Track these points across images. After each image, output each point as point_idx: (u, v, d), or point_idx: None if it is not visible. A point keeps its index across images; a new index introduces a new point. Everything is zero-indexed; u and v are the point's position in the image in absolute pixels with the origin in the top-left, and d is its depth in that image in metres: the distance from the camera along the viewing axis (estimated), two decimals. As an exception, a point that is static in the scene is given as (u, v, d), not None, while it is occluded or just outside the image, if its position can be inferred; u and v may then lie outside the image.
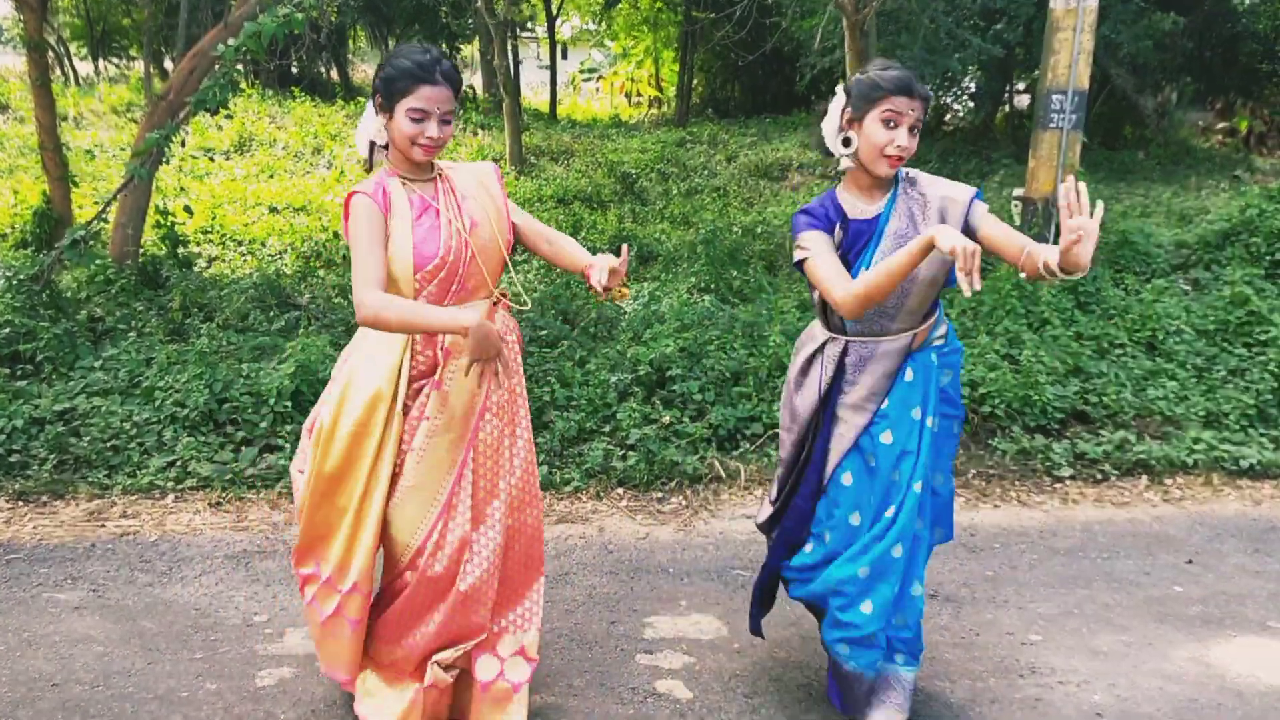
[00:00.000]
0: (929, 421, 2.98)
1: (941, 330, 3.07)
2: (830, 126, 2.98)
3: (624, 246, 2.91)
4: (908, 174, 2.98)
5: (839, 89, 3.00)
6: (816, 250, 2.87)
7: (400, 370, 2.86)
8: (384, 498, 2.86)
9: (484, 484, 2.95)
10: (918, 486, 2.95)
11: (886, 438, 2.97)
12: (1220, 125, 19.15)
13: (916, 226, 2.88)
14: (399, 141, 2.80)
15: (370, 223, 2.76)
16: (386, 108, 2.79)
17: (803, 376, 3.11)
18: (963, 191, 2.88)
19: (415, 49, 2.79)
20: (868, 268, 2.86)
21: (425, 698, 2.94)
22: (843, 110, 2.92)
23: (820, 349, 3.07)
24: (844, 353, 3.02)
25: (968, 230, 2.82)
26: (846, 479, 3.01)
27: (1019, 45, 15.21)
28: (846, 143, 2.91)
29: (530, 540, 3.09)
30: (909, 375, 2.98)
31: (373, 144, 2.94)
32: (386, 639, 3.00)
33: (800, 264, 2.92)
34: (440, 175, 2.96)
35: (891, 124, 2.80)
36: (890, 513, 2.97)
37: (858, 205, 2.96)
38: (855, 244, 2.93)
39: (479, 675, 3.00)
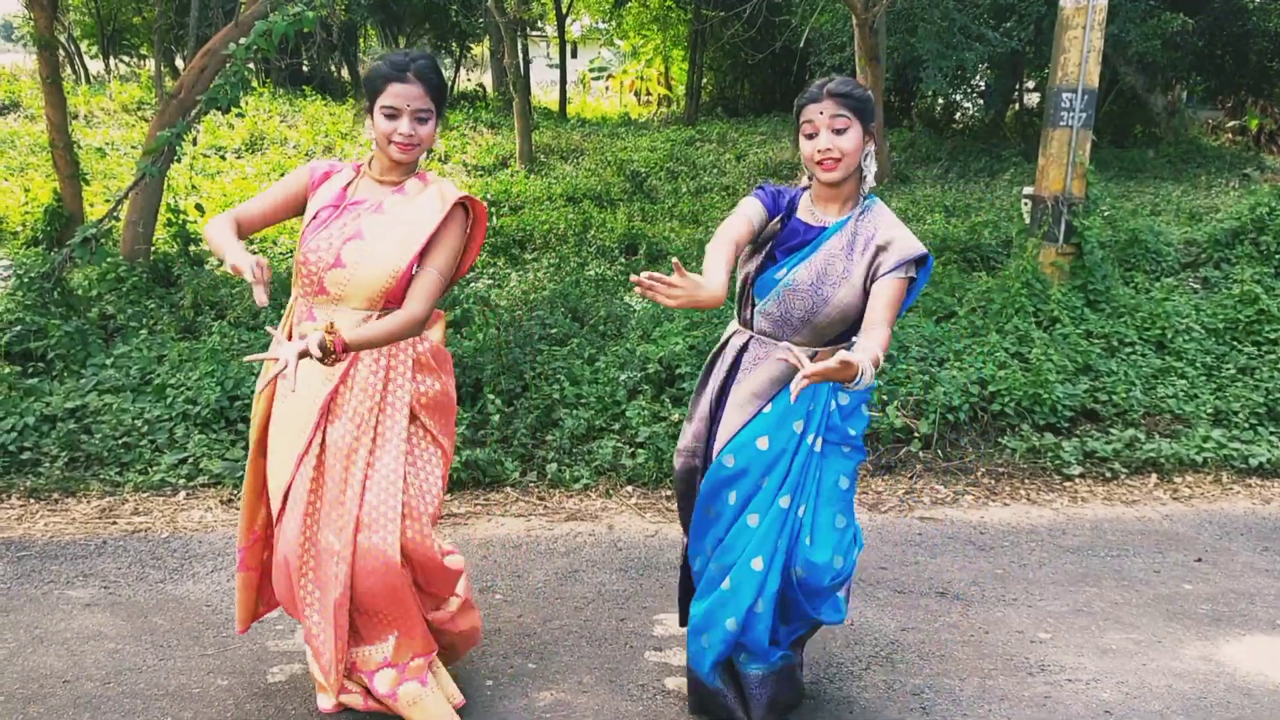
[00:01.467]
0: (811, 439, 2.94)
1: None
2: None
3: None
4: (875, 204, 2.97)
5: None
6: (735, 213, 2.93)
7: (282, 333, 2.92)
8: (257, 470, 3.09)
9: (330, 486, 2.91)
10: (784, 501, 2.93)
11: (762, 443, 2.95)
12: (1230, 123, 19.08)
13: (849, 255, 2.87)
14: (377, 140, 2.87)
15: (288, 181, 3.01)
16: (368, 108, 2.86)
17: (710, 365, 3.16)
18: (904, 250, 2.82)
19: (398, 52, 2.88)
20: (789, 269, 2.90)
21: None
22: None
23: (728, 340, 3.12)
24: (744, 347, 3.05)
25: (877, 274, 2.83)
26: (729, 460, 2.99)
27: (1029, 43, 15.18)
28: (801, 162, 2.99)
29: (384, 572, 2.87)
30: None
31: None
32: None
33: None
34: (399, 188, 2.94)
35: (810, 135, 2.85)
36: (753, 521, 2.96)
37: (813, 211, 2.99)
38: (787, 242, 2.96)
39: (379, 689, 3.04)
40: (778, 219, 2.99)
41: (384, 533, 2.85)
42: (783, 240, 2.97)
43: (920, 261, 2.86)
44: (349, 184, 2.99)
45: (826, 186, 2.93)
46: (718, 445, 3.02)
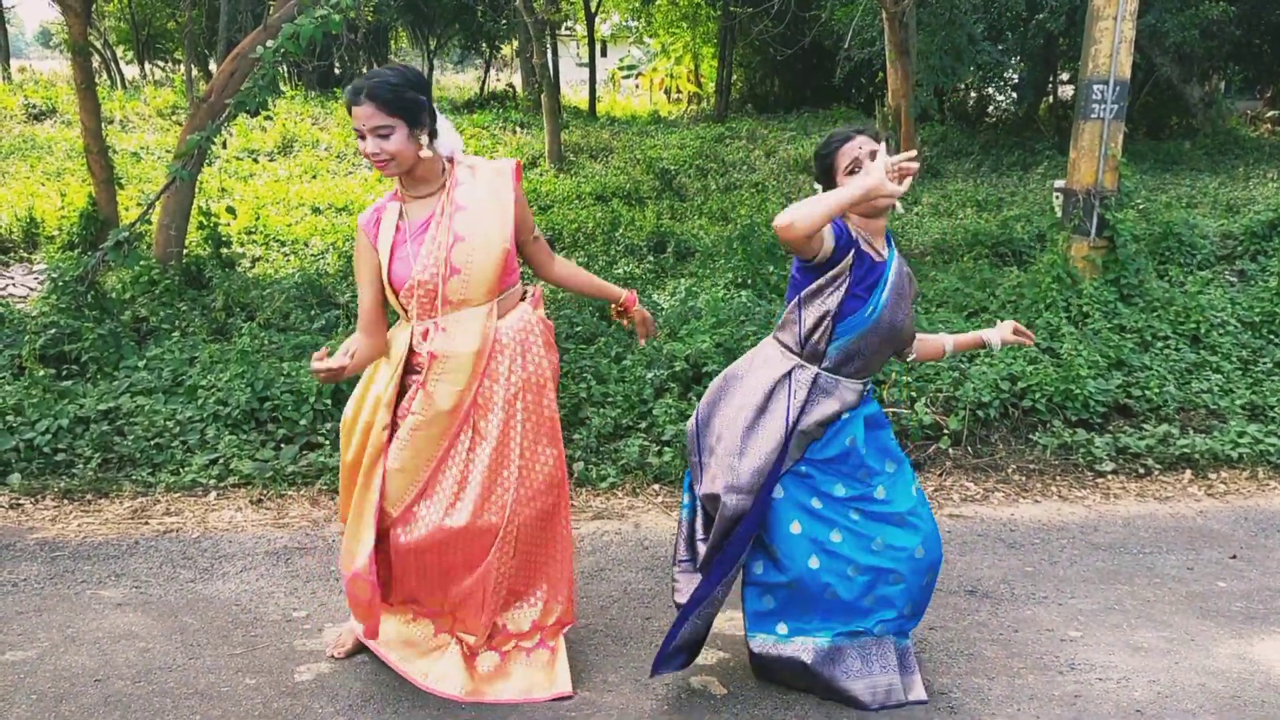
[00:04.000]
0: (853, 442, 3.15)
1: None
2: None
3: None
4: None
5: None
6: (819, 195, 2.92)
7: (396, 372, 3.15)
8: (380, 485, 3.16)
9: (479, 472, 3.15)
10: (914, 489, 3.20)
11: (839, 489, 3.15)
12: (1269, 113, 18.83)
13: (903, 284, 3.15)
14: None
15: (361, 257, 3.16)
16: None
17: (769, 400, 3.11)
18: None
19: (363, 75, 3.09)
20: (876, 308, 3.04)
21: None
22: (820, 185, 3.12)
23: (788, 374, 3.12)
24: (815, 380, 3.10)
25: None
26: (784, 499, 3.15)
27: (1062, 35, 15.04)
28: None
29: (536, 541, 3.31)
30: (846, 415, 3.14)
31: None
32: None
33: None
34: (446, 188, 3.09)
35: (851, 171, 2.98)
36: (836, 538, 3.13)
37: (869, 244, 3.08)
38: (865, 279, 3.05)
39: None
40: (850, 254, 3.02)
41: (552, 497, 3.27)
42: (861, 278, 3.05)
43: None
44: (400, 214, 3.13)
45: (870, 220, 3.07)
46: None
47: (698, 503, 3.26)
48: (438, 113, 3.07)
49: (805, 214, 2.72)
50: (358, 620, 3.30)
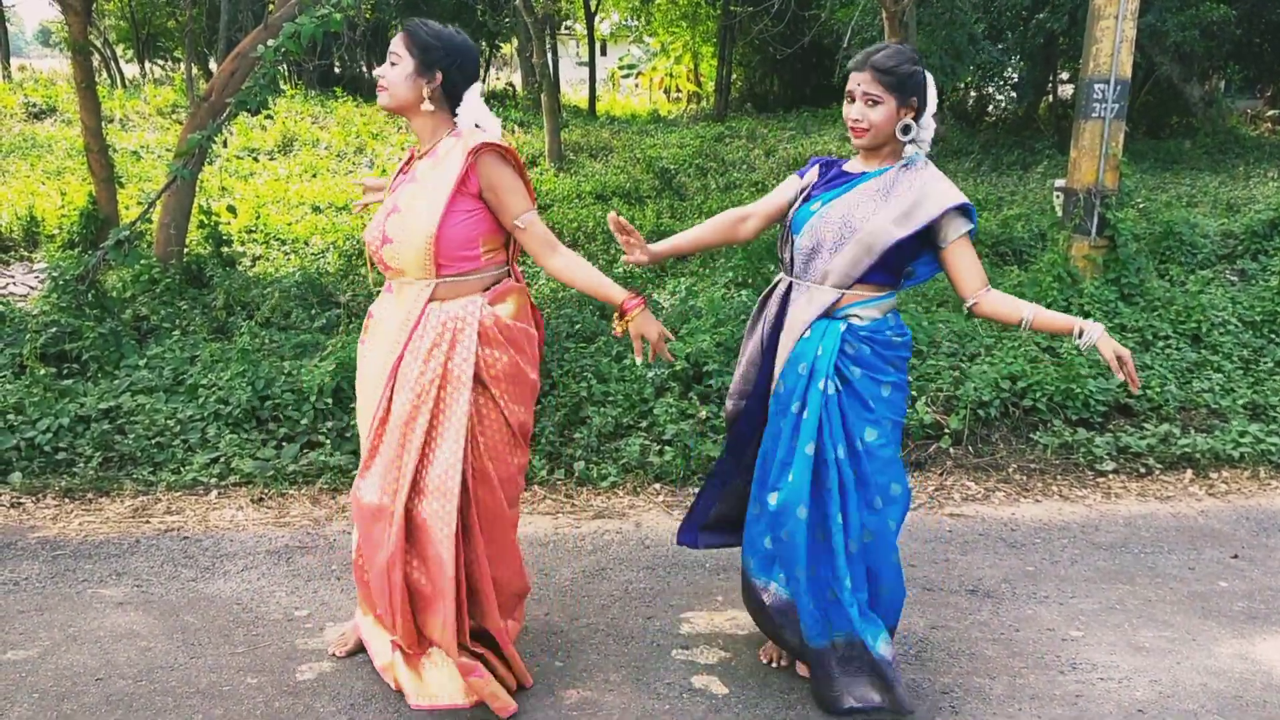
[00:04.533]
0: (823, 384, 3.03)
1: (868, 313, 3.07)
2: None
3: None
4: (919, 161, 3.05)
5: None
6: (778, 187, 3.28)
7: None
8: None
9: (385, 451, 3.06)
10: (809, 449, 3.03)
11: (780, 386, 3.15)
12: (1270, 112, 18.82)
13: (885, 197, 3.01)
14: None
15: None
16: None
17: (758, 312, 3.31)
18: (945, 199, 2.96)
19: None
20: (823, 203, 3.07)
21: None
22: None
23: (773, 289, 3.27)
24: (787, 292, 3.20)
25: (932, 234, 3.00)
26: (780, 386, 3.19)
27: (1063, 34, 15.04)
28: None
29: (434, 542, 2.98)
30: (807, 333, 3.09)
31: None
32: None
33: None
34: (432, 153, 3.07)
35: (850, 101, 3.02)
36: (790, 477, 3.08)
37: (855, 163, 3.17)
38: (828, 184, 3.15)
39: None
40: (816, 168, 3.22)
41: (444, 501, 2.95)
42: (823, 183, 3.16)
43: (965, 210, 3.01)
44: (407, 162, 3.16)
45: (873, 151, 3.09)
46: (773, 383, 3.20)
47: None
48: (474, 92, 3.06)
49: None
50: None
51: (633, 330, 3.06)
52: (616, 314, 3.08)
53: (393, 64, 2.96)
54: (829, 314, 3.07)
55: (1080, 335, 2.95)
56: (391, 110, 3.03)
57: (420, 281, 3.03)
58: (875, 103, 2.94)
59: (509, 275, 3.19)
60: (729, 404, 3.38)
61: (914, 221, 2.95)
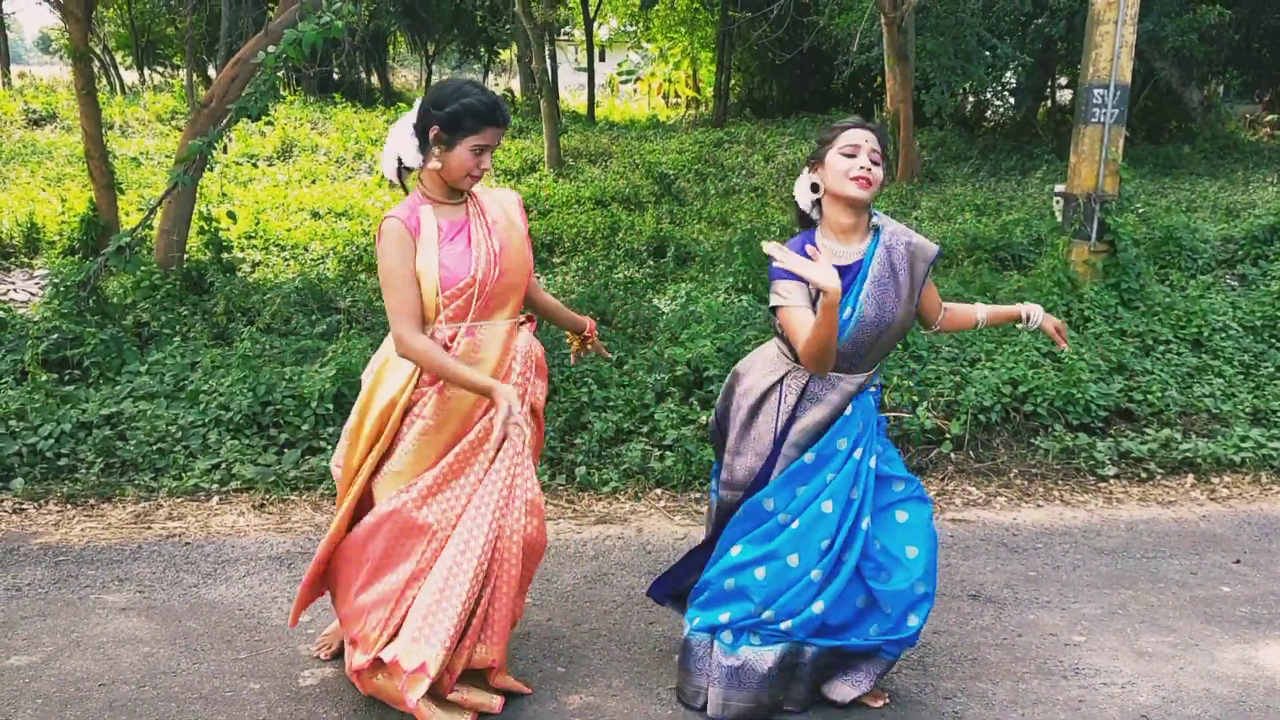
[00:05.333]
0: (858, 454, 3.09)
1: (878, 379, 3.25)
2: (801, 190, 3.15)
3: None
4: (879, 217, 3.12)
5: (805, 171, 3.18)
6: (793, 301, 3.00)
7: (413, 379, 3.10)
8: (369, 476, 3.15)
9: (448, 471, 3.11)
10: (826, 507, 3.07)
11: (809, 457, 3.09)
12: (1269, 117, 18.85)
13: (896, 276, 3.04)
14: (454, 172, 3.00)
15: (401, 249, 2.97)
16: (448, 142, 2.95)
17: (760, 404, 3.16)
18: (928, 250, 3.12)
19: (475, 89, 3.00)
20: (854, 309, 3.01)
21: None
22: (809, 168, 3.13)
23: (780, 380, 3.14)
24: (805, 386, 3.11)
25: (921, 280, 3.11)
26: (768, 504, 3.13)
27: (1061, 40, 15.06)
28: (815, 188, 3.09)
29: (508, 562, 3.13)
30: (848, 410, 3.10)
31: (400, 163, 3.08)
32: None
33: (774, 309, 3.05)
34: (470, 198, 3.13)
35: (850, 155, 2.99)
36: (791, 523, 3.10)
37: (836, 249, 3.08)
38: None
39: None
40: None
41: (523, 519, 3.11)
42: None
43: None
44: (434, 215, 3.08)
45: (849, 211, 3.06)
46: (779, 469, 3.14)
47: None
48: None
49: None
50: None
51: (593, 349, 3.66)
52: (580, 339, 3.65)
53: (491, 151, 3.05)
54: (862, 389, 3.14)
55: (1027, 320, 3.29)
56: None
57: (510, 320, 3.16)
58: (877, 163, 3.00)
59: None
60: (724, 494, 3.25)
61: (917, 286, 3.10)
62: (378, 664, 3.06)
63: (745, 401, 3.19)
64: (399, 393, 3.09)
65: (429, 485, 3.07)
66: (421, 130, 2.98)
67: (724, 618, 3.13)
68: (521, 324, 3.24)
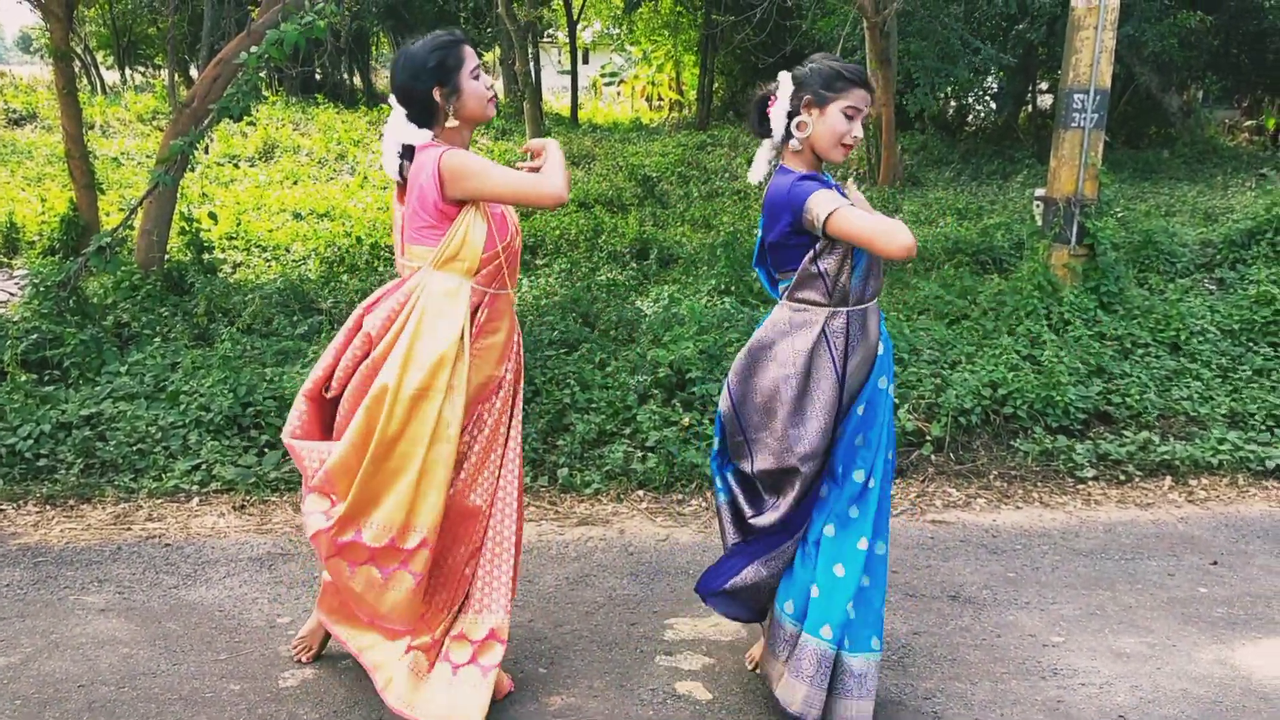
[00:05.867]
0: (885, 384, 3.11)
1: None
2: (780, 109, 3.00)
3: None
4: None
5: (784, 76, 3.01)
6: (844, 202, 2.84)
7: (464, 334, 2.99)
8: (452, 459, 3.02)
9: (476, 453, 3.14)
10: (859, 477, 3.06)
11: (860, 409, 3.04)
12: (1247, 123, 18.99)
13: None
14: (478, 111, 3.00)
15: (483, 159, 2.95)
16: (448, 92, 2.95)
17: (812, 361, 3.00)
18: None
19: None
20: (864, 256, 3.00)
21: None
22: (796, 95, 2.97)
23: (823, 328, 2.99)
24: (847, 324, 2.99)
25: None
26: (860, 409, 3.06)
27: (1042, 45, 15.15)
28: (800, 126, 2.96)
29: (505, 527, 3.22)
30: (880, 350, 3.08)
31: (406, 148, 3.02)
32: None
33: (826, 221, 2.82)
34: None
35: (852, 117, 2.93)
36: (861, 478, 3.06)
37: (816, 171, 3.07)
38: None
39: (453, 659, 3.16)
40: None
41: (511, 486, 3.18)
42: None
43: None
44: None
45: (816, 165, 3.03)
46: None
47: (735, 483, 3.24)
48: None
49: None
50: (409, 622, 3.13)
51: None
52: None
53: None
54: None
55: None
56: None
57: (512, 290, 3.20)
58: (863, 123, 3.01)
59: None
60: (804, 468, 3.02)
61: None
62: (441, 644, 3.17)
63: (791, 368, 3.00)
64: (451, 350, 2.96)
65: (474, 466, 3.11)
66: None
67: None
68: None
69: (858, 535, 3.02)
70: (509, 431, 3.20)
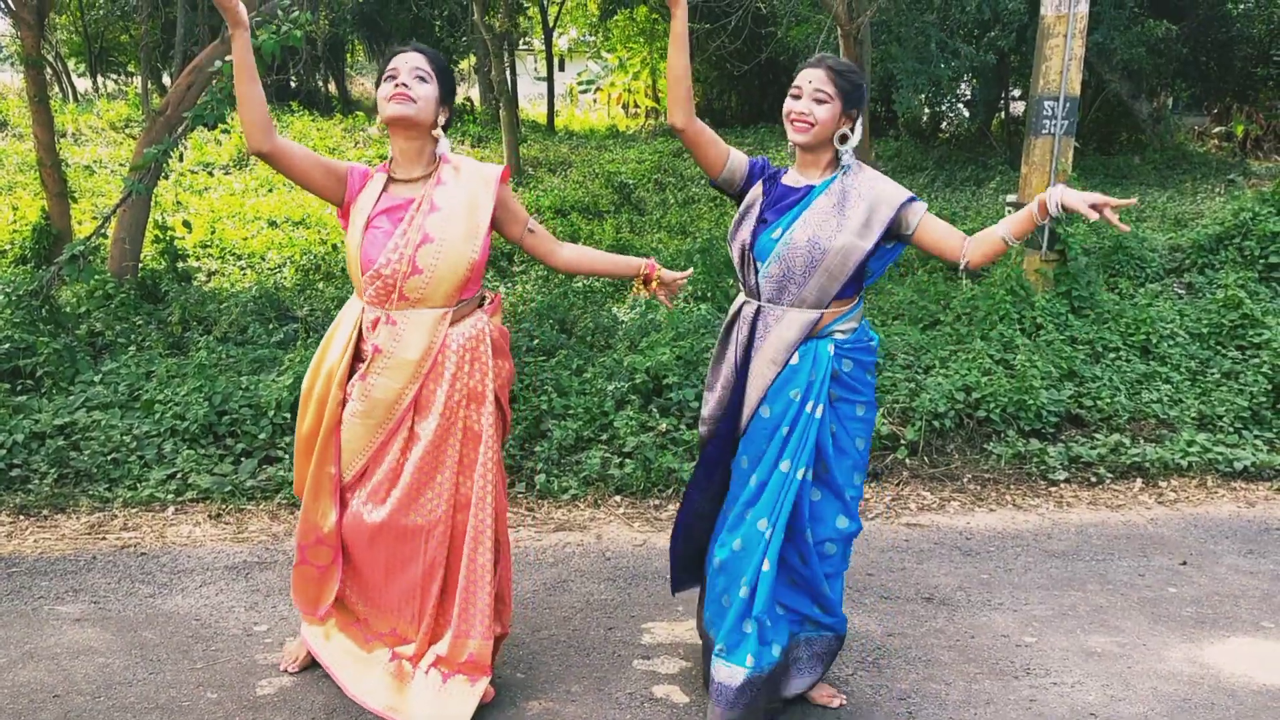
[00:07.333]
0: (809, 407, 3.05)
1: (848, 326, 3.14)
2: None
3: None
4: (856, 164, 3.14)
5: None
6: (736, 153, 3.23)
7: (348, 348, 3.15)
8: (335, 456, 3.20)
9: (417, 475, 3.13)
10: (784, 466, 3.06)
11: (765, 411, 3.11)
12: (1216, 129, 19.17)
13: (841, 211, 3.04)
14: (381, 111, 3.04)
15: (334, 164, 3.09)
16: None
17: (725, 336, 3.25)
18: (894, 198, 3.05)
19: None
20: (785, 229, 3.06)
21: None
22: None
23: (739, 311, 3.21)
24: (755, 316, 3.15)
25: (894, 230, 3.07)
26: (765, 411, 3.12)
27: (1013, 52, 15.26)
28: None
29: (480, 551, 3.17)
30: (794, 360, 3.08)
31: None
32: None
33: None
34: (435, 179, 3.11)
35: (795, 96, 3.07)
36: (753, 481, 3.12)
37: (795, 176, 3.18)
38: (777, 203, 3.13)
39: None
40: (759, 184, 3.19)
41: (482, 512, 3.14)
42: (772, 202, 3.15)
43: (912, 201, 3.09)
44: (383, 190, 3.11)
45: (801, 152, 3.13)
46: (749, 406, 3.14)
47: None
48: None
49: None
50: (304, 605, 3.35)
51: (660, 292, 3.35)
52: (640, 280, 3.31)
53: (422, 79, 2.99)
54: (814, 335, 3.09)
55: (1051, 207, 2.87)
56: (404, 123, 3.01)
57: (439, 310, 3.09)
58: (822, 101, 3.02)
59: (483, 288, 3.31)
60: (702, 429, 3.32)
61: (875, 229, 3.02)
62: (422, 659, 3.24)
63: (720, 335, 3.30)
64: (338, 362, 3.16)
65: (410, 486, 3.11)
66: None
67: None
68: (475, 310, 3.20)
69: (758, 552, 3.08)
70: (478, 458, 3.14)
